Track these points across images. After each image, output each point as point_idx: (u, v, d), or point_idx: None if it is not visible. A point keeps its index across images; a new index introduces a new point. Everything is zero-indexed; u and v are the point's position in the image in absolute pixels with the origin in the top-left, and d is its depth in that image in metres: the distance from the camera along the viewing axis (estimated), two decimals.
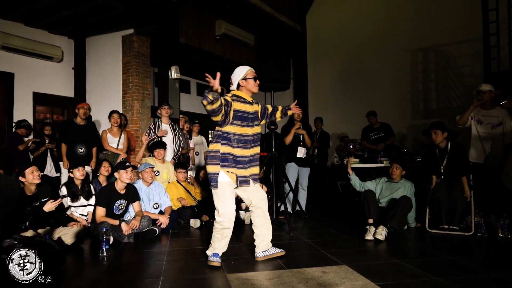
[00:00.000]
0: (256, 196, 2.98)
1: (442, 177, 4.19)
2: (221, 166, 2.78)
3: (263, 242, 3.01)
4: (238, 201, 4.85)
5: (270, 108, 3.24)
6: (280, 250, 3.06)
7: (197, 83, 9.19)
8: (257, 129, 3.01)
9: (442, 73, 7.12)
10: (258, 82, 2.94)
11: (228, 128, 2.80)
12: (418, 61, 7.45)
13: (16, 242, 2.48)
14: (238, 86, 2.93)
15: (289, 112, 3.39)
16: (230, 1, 6.90)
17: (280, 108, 3.34)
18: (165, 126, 5.25)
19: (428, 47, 7.26)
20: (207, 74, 2.54)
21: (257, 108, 3.03)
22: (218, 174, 2.79)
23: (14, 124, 5.67)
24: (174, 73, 6.24)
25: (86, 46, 6.88)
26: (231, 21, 7.42)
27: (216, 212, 2.84)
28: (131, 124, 6.23)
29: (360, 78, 8.14)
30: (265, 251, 3.00)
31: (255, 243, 3.03)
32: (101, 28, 6.40)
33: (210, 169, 2.81)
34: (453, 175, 4.12)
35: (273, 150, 4.48)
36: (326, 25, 8.84)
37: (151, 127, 5.20)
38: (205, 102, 2.52)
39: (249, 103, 2.93)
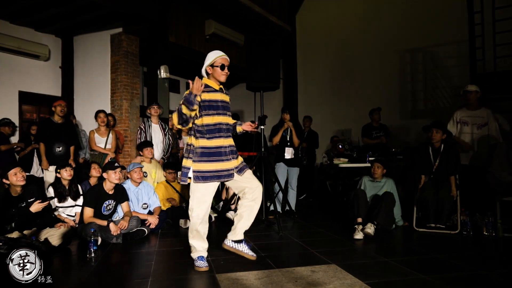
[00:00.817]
0: (245, 185, 2.86)
1: (432, 176, 4.26)
2: (203, 162, 2.72)
3: (233, 231, 2.98)
4: (227, 200, 4.86)
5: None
6: (252, 254, 2.92)
7: (187, 82, 9.14)
8: (229, 119, 2.90)
9: (429, 74, 7.21)
10: (226, 71, 2.81)
11: (198, 121, 2.75)
12: (406, 61, 7.53)
13: (1, 243, 2.44)
14: (207, 73, 2.85)
15: (238, 128, 2.99)
16: (220, 1, 6.88)
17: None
18: (155, 125, 5.23)
19: (416, 48, 7.35)
20: (189, 81, 2.57)
21: (227, 98, 2.92)
22: (189, 168, 2.75)
23: None
24: (163, 73, 6.21)
25: (73, 45, 6.80)
26: (221, 21, 7.40)
27: (189, 211, 2.79)
28: (119, 124, 6.18)
29: (349, 78, 8.20)
30: (236, 243, 2.95)
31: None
32: (89, 27, 6.32)
33: (199, 166, 2.73)
34: (443, 174, 4.19)
35: (263, 150, 4.48)
36: (315, 26, 8.88)
37: (142, 127, 5.18)
38: (177, 117, 2.63)
39: (217, 91, 2.84)
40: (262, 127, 4.55)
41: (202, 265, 2.74)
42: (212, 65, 2.80)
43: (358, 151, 5.70)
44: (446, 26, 6.76)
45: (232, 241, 2.98)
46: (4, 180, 3.35)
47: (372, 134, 5.96)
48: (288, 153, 5.07)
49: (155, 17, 5.94)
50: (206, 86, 2.81)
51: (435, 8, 6.96)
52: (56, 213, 3.97)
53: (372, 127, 6.02)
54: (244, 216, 2.92)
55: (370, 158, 5.16)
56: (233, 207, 4.81)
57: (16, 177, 3.33)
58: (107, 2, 5.19)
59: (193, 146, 2.77)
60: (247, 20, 7.76)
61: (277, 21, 8.29)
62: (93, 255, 3.07)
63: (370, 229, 3.67)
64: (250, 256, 2.92)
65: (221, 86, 2.90)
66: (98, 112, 5.25)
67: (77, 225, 3.89)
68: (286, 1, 8.97)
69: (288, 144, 5.06)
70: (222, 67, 2.79)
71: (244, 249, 2.95)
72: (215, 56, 2.80)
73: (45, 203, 3.38)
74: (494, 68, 5.39)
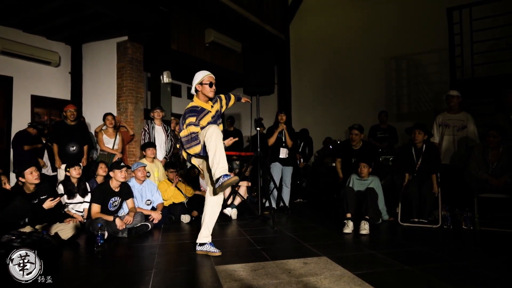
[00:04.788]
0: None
1: (415, 174, 4.28)
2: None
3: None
4: (224, 198, 4.84)
5: (223, 96, 3.19)
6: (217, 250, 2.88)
7: (188, 87, 9.12)
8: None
9: (413, 80, 7.26)
10: (214, 88, 2.89)
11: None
12: (391, 68, 7.57)
13: (14, 237, 2.42)
14: (196, 90, 2.91)
15: (243, 100, 3.48)
16: (219, 11, 6.88)
17: (233, 97, 3.34)
18: (158, 127, 5.22)
19: (401, 56, 7.39)
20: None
21: (216, 107, 3.02)
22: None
23: (29, 123, 5.52)
24: (166, 78, 6.19)
25: (82, 52, 6.76)
26: (220, 29, 7.39)
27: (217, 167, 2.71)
28: (125, 124, 6.14)
29: (339, 84, 8.22)
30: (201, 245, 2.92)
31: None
32: (97, 35, 6.29)
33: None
34: (425, 173, 4.21)
35: (259, 150, 4.48)
36: (307, 35, 8.90)
37: (146, 128, 5.17)
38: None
39: (209, 111, 2.91)
40: (258, 128, 4.55)
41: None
42: (201, 83, 2.87)
43: None
44: (428, 36, 6.80)
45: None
46: (20, 178, 3.33)
47: (377, 135, 5.98)
48: (283, 153, 5.08)
49: (158, 26, 5.92)
50: (199, 112, 2.83)
51: (418, 19, 7.01)
52: (65, 209, 3.94)
53: (379, 128, 6.06)
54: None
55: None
56: (228, 202, 4.80)
57: (32, 176, 3.32)
58: (114, 12, 5.17)
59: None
60: (244, 29, 7.76)
61: (272, 30, 8.30)
62: (100, 248, 3.05)
63: (365, 229, 3.65)
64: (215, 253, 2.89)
65: (210, 103, 2.97)
66: (106, 114, 5.24)
67: (85, 220, 3.86)
68: (280, 11, 8.97)
69: (283, 144, 5.08)
70: (211, 84, 2.87)
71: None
72: (203, 75, 2.88)
73: (57, 200, 3.36)
74: (472, 74, 5.43)
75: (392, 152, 5.45)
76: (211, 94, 2.90)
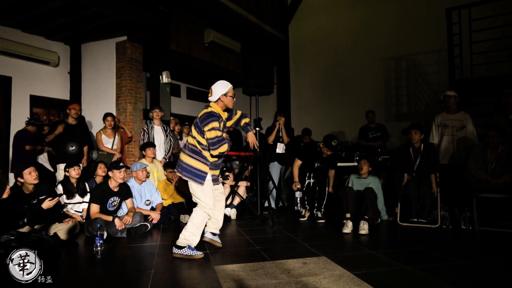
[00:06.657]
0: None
1: (414, 174, 4.27)
2: (210, 168, 2.91)
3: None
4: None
5: (238, 114, 3.20)
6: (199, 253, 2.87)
7: (187, 87, 9.11)
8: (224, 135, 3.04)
9: (412, 80, 7.26)
10: (234, 99, 2.97)
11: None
12: (390, 68, 7.57)
13: (13, 237, 2.41)
14: (218, 98, 2.93)
15: (249, 135, 3.28)
16: (218, 11, 6.88)
17: (244, 121, 3.22)
18: (157, 127, 5.21)
19: (400, 56, 7.39)
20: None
21: (225, 114, 3.05)
22: (206, 173, 2.88)
23: (26, 120, 5.42)
24: (165, 78, 6.18)
25: (81, 52, 6.76)
26: (219, 29, 7.40)
27: (204, 205, 2.89)
28: (124, 126, 6.13)
29: (338, 84, 8.22)
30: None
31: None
32: (96, 35, 6.29)
33: (198, 165, 2.87)
34: (424, 173, 4.21)
35: (258, 150, 4.48)
36: (307, 35, 8.90)
37: (145, 128, 5.17)
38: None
39: (224, 117, 2.98)
40: (257, 129, 4.55)
41: (198, 253, 2.82)
42: (225, 94, 2.91)
43: (346, 151, 5.71)
44: (427, 36, 6.81)
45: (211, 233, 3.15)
46: (19, 179, 3.32)
47: (368, 135, 5.94)
48: (280, 148, 5.09)
49: (157, 26, 5.92)
50: (220, 117, 2.90)
51: (417, 19, 7.01)
52: (64, 209, 3.94)
53: (369, 128, 5.97)
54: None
55: (357, 158, 5.18)
56: (227, 202, 4.80)
57: (30, 176, 3.31)
58: (113, 12, 5.17)
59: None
60: (243, 29, 7.77)
61: (271, 30, 8.30)
62: (99, 248, 3.04)
63: (364, 229, 3.65)
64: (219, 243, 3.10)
65: (226, 113, 3.03)
66: (106, 115, 5.24)
67: (84, 221, 3.86)
68: (280, 11, 8.98)
69: (280, 140, 5.10)
70: (233, 96, 2.95)
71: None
72: (228, 87, 2.92)
73: (55, 200, 3.35)
74: (471, 74, 5.43)
75: (389, 152, 5.45)
76: (231, 105, 2.98)
